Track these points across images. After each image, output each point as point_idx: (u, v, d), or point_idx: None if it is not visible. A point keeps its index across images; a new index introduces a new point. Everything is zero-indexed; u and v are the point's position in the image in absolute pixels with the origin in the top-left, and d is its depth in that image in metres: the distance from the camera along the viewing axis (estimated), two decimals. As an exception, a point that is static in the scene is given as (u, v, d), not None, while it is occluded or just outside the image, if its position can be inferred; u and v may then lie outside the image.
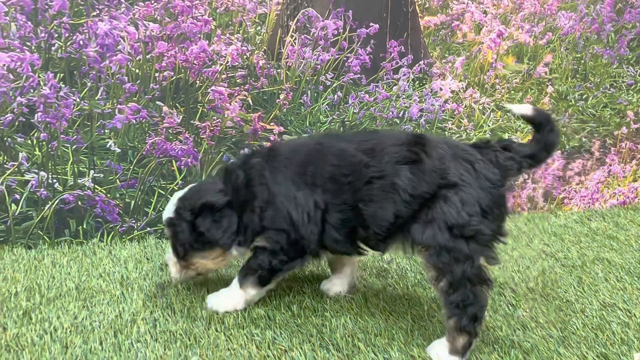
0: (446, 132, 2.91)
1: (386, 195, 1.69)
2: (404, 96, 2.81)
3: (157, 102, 2.41)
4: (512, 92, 2.99)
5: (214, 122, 2.50)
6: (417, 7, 2.74)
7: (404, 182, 1.67)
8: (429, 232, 1.65)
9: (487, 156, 1.70)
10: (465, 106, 2.92)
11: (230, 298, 1.88)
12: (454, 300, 1.63)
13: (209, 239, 1.82)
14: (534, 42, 2.98)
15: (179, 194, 1.90)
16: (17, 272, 2.11)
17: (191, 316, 1.84)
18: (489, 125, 2.99)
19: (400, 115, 2.81)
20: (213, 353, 1.65)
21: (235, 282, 1.89)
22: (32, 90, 2.23)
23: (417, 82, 2.82)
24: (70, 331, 1.72)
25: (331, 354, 1.67)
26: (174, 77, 2.42)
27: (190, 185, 1.94)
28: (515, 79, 2.99)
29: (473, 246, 1.63)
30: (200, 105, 2.49)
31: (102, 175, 2.39)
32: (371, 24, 2.66)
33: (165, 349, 1.65)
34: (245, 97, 2.54)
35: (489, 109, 2.97)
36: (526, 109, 1.74)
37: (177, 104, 2.45)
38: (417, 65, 2.79)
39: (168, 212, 1.88)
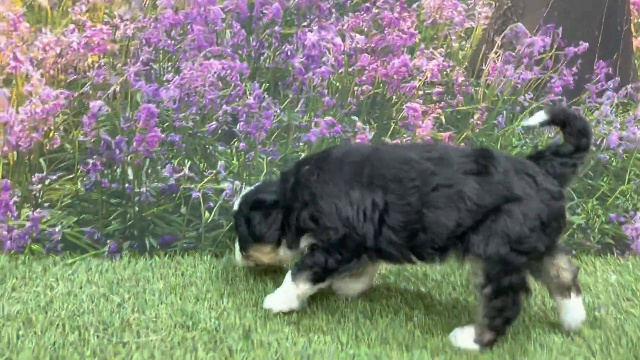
0: (644, 164, 2.64)
1: (451, 202, 1.73)
2: (604, 122, 2.56)
3: (352, 117, 2.32)
4: None
5: (405, 139, 2.38)
6: (632, 26, 2.48)
7: (471, 192, 1.72)
8: (492, 245, 1.70)
9: (544, 167, 1.78)
10: (670, 137, 2.63)
11: (284, 295, 1.88)
12: (494, 305, 1.74)
13: (258, 233, 1.92)
14: None
15: (245, 190, 2.04)
16: (215, 281, 2.08)
17: None
18: (692, 159, 2.68)
19: (597, 142, 2.57)
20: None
21: (287, 277, 1.87)
22: (237, 100, 2.20)
23: (621, 107, 2.56)
24: (297, 357, 1.65)
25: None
26: (372, 92, 2.31)
27: (256, 184, 2.06)
28: None
29: (525, 260, 1.72)
30: (393, 122, 2.37)
31: (292, 188, 2.33)
32: (581, 42, 2.43)
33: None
34: (438, 115, 2.40)
35: (695, 141, 2.66)
36: (541, 116, 1.83)
37: (371, 120, 2.35)
38: (623, 89, 2.53)
39: (234, 206, 2.02)
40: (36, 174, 2.12)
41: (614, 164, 2.61)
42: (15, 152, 2.09)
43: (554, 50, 2.43)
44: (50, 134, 2.10)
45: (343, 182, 1.80)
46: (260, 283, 2.10)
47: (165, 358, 1.61)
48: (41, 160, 2.13)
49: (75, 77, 2.08)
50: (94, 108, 2.09)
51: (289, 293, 1.88)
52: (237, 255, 2.05)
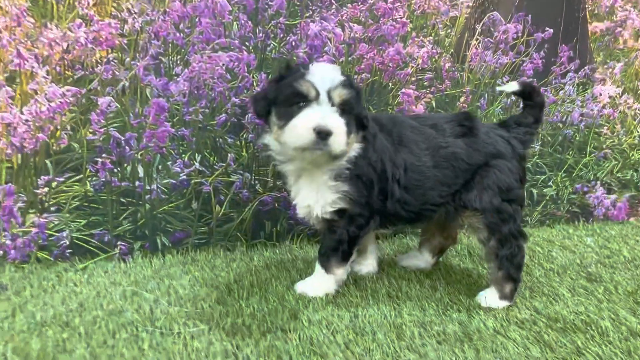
0: (601, 138, 2.93)
1: (449, 162, 1.91)
2: (568, 100, 2.83)
3: (353, 104, 2.40)
4: (661, 98, 3.02)
5: (400, 124, 2.50)
6: (587, 13, 2.77)
7: (462, 152, 1.91)
8: (486, 198, 1.90)
9: (513, 134, 1.99)
10: (620, 112, 2.94)
11: (321, 283, 1.93)
12: (503, 255, 1.91)
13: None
14: (685, 49, 3.02)
15: (327, 65, 1.83)
16: (238, 272, 2.08)
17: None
18: (638, 131, 3.02)
19: (563, 119, 2.83)
20: None
21: (318, 268, 1.94)
22: (245, 91, 2.21)
23: (581, 87, 2.84)
24: (349, 330, 1.70)
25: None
26: (370, 79, 2.41)
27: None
28: (665, 85, 3.02)
29: (515, 207, 1.92)
30: (390, 108, 2.48)
31: (299, 177, 2.37)
32: (547, 28, 2.68)
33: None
34: (430, 100, 2.54)
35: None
36: (514, 86, 2.06)
37: (370, 106, 2.44)
38: (582, 70, 2.81)
39: (336, 75, 1.75)
40: (42, 177, 2.01)
41: (577, 138, 2.89)
42: (19, 155, 1.97)
43: (525, 36, 2.66)
44: (57, 134, 2.00)
45: (382, 135, 1.89)
46: (283, 271, 2.13)
47: (225, 343, 1.60)
48: (47, 161, 2.02)
49: (82, 73, 2.00)
50: (102, 105, 2.02)
51: (326, 281, 1.93)
52: (343, 135, 1.70)
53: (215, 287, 1.96)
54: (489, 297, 1.94)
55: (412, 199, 1.91)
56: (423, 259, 2.23)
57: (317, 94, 1.69)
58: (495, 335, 1.73)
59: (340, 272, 1.94)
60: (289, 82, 1.72)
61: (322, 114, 1.67)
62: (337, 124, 1.68)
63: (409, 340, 1.67)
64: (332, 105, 1.70)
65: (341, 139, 1.69)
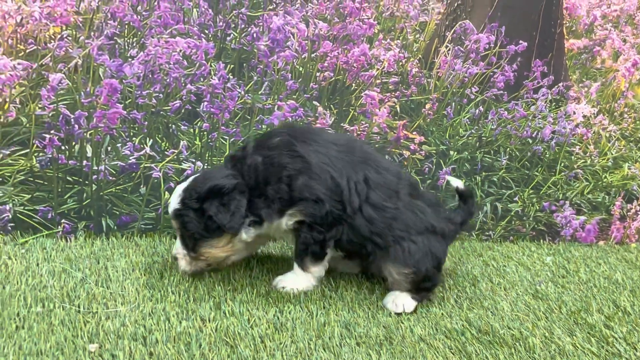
0: (573, 157, 2.89)
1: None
2: (539, 116, 2.79)
3: (314, 102, 2.39)
4: (638, 122, 2.97)
5: (362, 126, 2.48)
6: (564, 29, 2.74)
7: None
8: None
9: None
10: (594, 132, 2.90)
11: (300, 278, 1.95)
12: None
13: (217, 223, 1.78)
14: (665, 74, 2.97)
15: (181, 186, 1.85)
16: (179, 261, 2.06)
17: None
18: (612, 154, 2.97)
19: (533, 135, 2.80)
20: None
21: (296, 267, 1.95)
22: (202, 79, 2.21)
23: (554, 103, 2.80)
24: (269, 324, 1.68)
25: None
26: (333, 78, 2.40)
27: (192, 177, 1.88)
28: (643, 109, 2.98)
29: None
30: (352, 109, 2.46)
31: (253, 170, 2.35)
32: (520, 41, 2.65)
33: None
34: (394, 104, 2.52)
35: (615, 137, 2.96)
36: (458, 182, 2.17)
37: (331, 105, 2.43)
38: (556, 86, 2.78)
39: (173, 204, 1.83)
40: (-13, 148, 2.02)
41: (547, 155, 2.85)
42: (-36, 124, 1.98)
43: (497, 47, 2.63)
44: (6, 106, 2.01)
45: (334, 155, 1.89)
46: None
47: (137, 327, 1.58)
48: (-7, 133, 2.03)
49: (35, 47, 2.01)
50: (53, 81, 2.02)
51: (304, 278, 1.95)
52: (182, 259, 1.88)
53: (148, 272, 1.95)
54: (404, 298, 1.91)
55: (377, 216, 1.92)
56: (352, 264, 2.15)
57: None
58: (418, 342, 1.70)
59: (317, 270, 1.95)
60: None
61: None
62: (177, 251, 1.89)
63: (327, 340, 1.65)
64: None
65: (181, 262, 1.89)
